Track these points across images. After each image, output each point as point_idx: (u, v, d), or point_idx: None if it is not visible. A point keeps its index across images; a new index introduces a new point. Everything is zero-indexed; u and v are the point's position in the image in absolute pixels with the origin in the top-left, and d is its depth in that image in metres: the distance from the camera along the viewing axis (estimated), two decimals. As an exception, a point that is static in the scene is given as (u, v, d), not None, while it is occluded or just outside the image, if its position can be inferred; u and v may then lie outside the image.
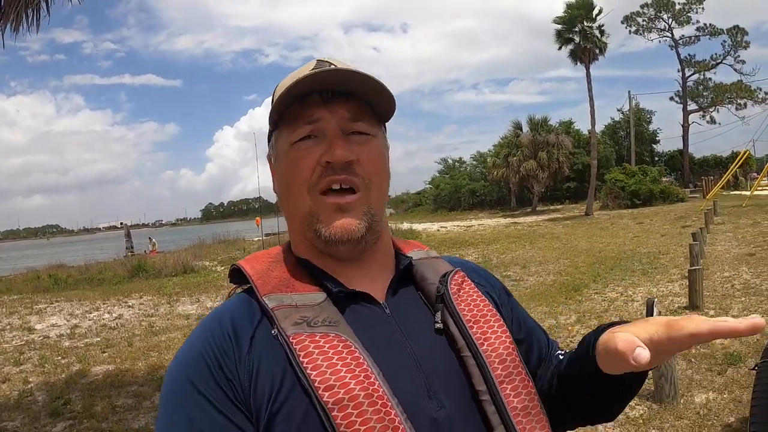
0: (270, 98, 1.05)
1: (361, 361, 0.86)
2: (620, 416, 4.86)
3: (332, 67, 0.97)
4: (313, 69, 0.98)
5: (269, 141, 1.08)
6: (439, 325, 1.00)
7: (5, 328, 12.17)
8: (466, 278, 1.11)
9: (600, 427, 4.79)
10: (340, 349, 0.87)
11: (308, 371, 0.84)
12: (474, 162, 58.56)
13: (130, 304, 14.19)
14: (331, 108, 0.97)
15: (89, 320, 12.52)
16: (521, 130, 42.81)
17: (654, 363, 0.79)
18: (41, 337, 11.03)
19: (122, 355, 8.93)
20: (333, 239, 0.97)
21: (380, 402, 0.83)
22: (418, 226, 33.25)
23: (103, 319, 12.51)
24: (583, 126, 48.27)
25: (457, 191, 54.51)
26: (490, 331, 1.01)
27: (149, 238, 34.09)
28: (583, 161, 42.61)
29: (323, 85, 0.96)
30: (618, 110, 55.87)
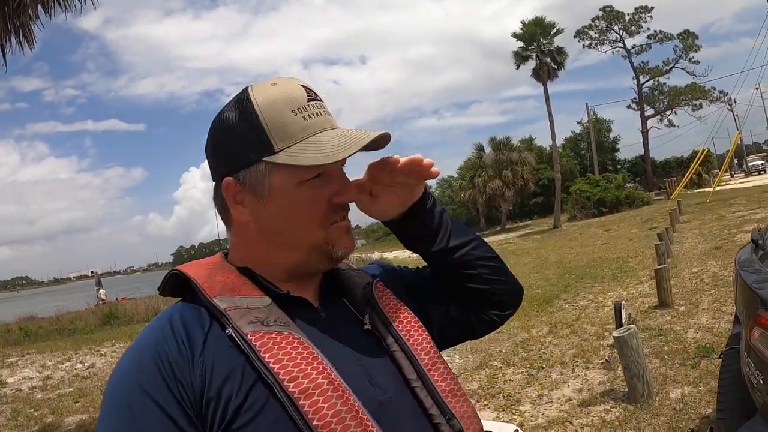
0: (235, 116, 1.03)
1: (315, 355, 0.92)
2: (595, 419, 4.92)
3: (319, 100, 1.06)
4: (309, 102, 1.03)
5: (242, 164, 1.02)
6: (367, 326, 1.09)
7: (-25, 384, 11.91)
8: (384, 287, 1.21)
9: (579, 430, 4.82)
10: (296, 345, 0.92)
11: (271, 365, 0.88)
12: (440, 188, 58.82)
13: (102, 352, 13.94)
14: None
15: (61, 371, 12.28)
16: (484, 151, 43.22)
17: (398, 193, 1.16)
18: (13, 390, 10.79)
19: (95, 404, 8.74)
20: (344, 256, 1.09)
21: (341, 389, 0.90)
22: (389, 255, 33.28)
23: (76, 369, 12.26)
24: (545, 141, 48.93)
25: (426, 216, 54.71)
26: (412, 329, 1.14)
27: (97, 288, 33.31)
28: (547, 176, 43.09)
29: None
30: (578, 122, 56.79)
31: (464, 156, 52.28)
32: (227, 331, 0.92)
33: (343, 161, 1.05)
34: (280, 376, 0.88)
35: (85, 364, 12.66)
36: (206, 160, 1.11)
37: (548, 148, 43.55)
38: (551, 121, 35.55)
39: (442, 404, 1.05)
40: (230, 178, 1.03)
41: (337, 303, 1.13)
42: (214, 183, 1.09)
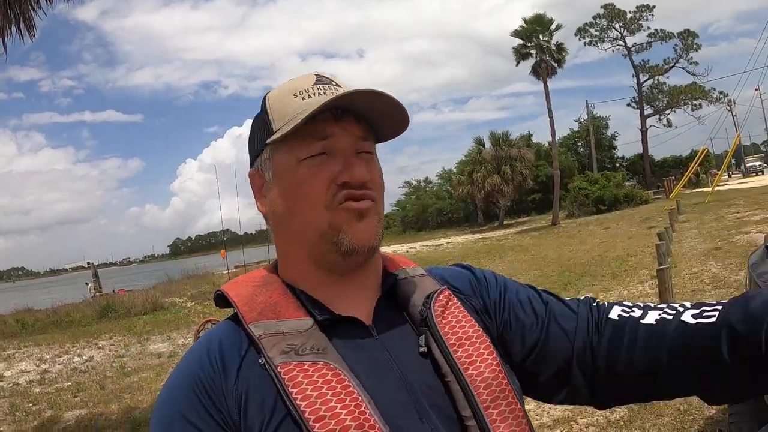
0: (259, 117, 1.03)
1: (351, 389, 0.85)
2: (600, 419, 4.90)
3: (340, 88, 0.98)
4: (315, 84, 1.00)
5: (256, 156, 1.03)
6: (423, 349, 0.97)
7: (-28, 377, 11.89)
8: (452, 297, 1.06)
9: (585, 430, 4.81)
10: (329, 377, 0.85)
11: (298, 402, 0.83)
12: (440, 180, 58.79)
13: (101, 345, 13.97)
14: (344, 126, 0.96)
15: (59, 364, 12.29)
16: (483, 146, 43.12)
17: None
18: (11, 384, 10.82)
19: (94, 399, 8.78)
20: (354, 248, 0.95)
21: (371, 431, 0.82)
22: (387, 249, 33.07)
23: (74, 362, 12.27)
24: (544, 138, 48.91)
25: (424, 211, 54.74)
26: (475, 354, 0.97)
27: (86, 283, 33.25)
28: (546, 173, 43.08)
29: (336, 104, 0.94)
30: (576, 120, 56.79)
31: (462, 151, 52.45)
32: (260, 361, 0.88)
33: (356, 142, 0.97)
34: (306, 416, 0.82)
35: (83, 357, 12.68)
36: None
37: (547, 145, 43.53)
38: (551, 118, 35.60)
39: None
40: (251, 170, 1.05)
41: (396, 319, 1.01)
42: None
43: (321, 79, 1.01)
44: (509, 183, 40.54)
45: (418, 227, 54.67)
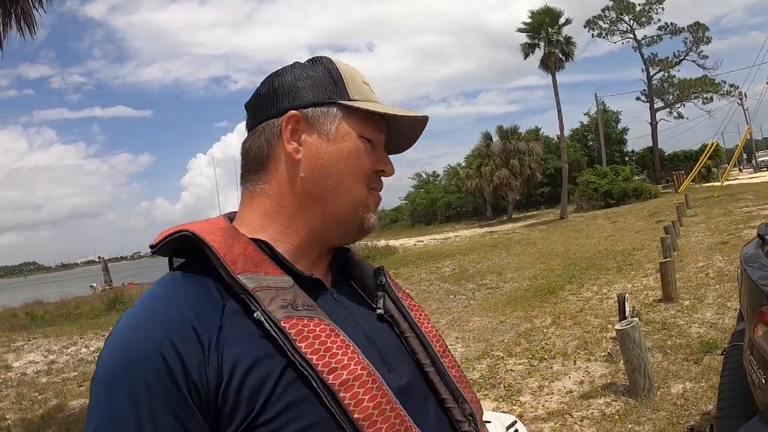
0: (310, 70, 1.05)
1: (348, 343, 0.88)
2: (595, 413, 4.92)
3: (411, 113, 1.09)
4: (365, 83, 1.09)
5: (312, 103, 1.01)
6: (381, 311, 1.08)
7: (-19, 368, 12.01)
8: (392, 277, 1.21)
9: (576, 426, 4.80)
10: (328, 332, 0.87)
11: (309, 356, 0.83)
12: (448, 175, 58.66)
13: (106, 336, 14.01)
14: (385, 132, 1.10)
15: (66, 355, 12.36)
16: (491, 140, 42.95)
17: None
18: (18, 375, 10.88)
19: (99, 389, 8.82)
20: (371, 229, 1.07)
21: (378, 380, 0.87)
22: (395, 242, 33.14)
23: (81, 353, 12.33)
24: (553, 131, 48.71)
25: (432, 205, 54.59)
26: (421, 317, 1.15)
27: (90, 286, 33.22)
28: (555, 166, 42.91)
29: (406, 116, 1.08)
30: (585, 114, 56.49)
31: (472, 145, 52.07)
32: (255, 315, 0.84)
33: (384, 137, 1.10)
34: (319, 368, 0.83)
35: (90, 348, 12.73)
36: (251, 106, 1.08)
37: (556, 139, 43.33)
38: (559, 112, 35.42)
39: (454, 389, 1.07)
40: (296, 111, 1.00)
41: (347, 287, 1.11)
42: (256, 126, 1.04)
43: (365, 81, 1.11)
44: (518, 176, 40.40)
45: (426, 221, 54.50)
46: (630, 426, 4.63)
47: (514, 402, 5.62)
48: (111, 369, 0.80)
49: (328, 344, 0.85)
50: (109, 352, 0.83)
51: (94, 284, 32.63)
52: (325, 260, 1.10)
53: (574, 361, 6.48)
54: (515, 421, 3.96)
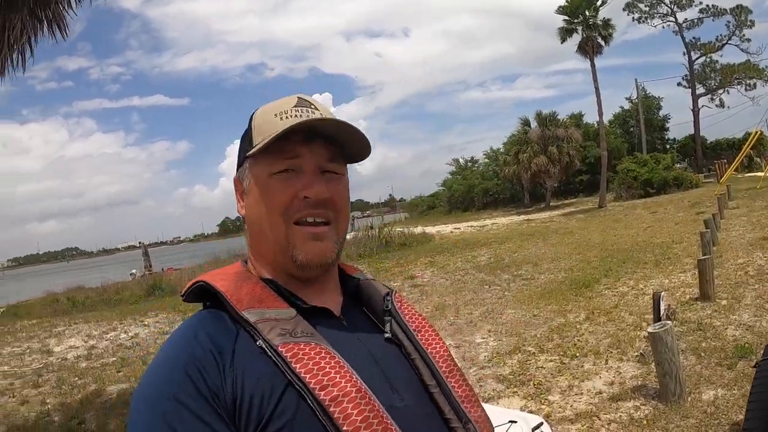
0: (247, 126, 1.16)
1: (342, 364, 0.96)
2: (623, 416, 4.87)
3: (317, 112, 1.11)
4: (295, 107, 1.11)
5: (240, 165, 1.16)
6: (388, 335, 1.16)
7: (25, 352, 12.38)
8: (401, 296, 1.29)
9: (603, 430, 4.77)
10: (323, 354, 0.96)
11: (302, 375, 0.92)
12: (487, 159, 58.08)
13: (146, 322, 14.28)
14: (312, 147, 1.09)
15: (106, 340, 12.65)
16: (529, 126, 42.43)
17: None
18: (59, 360, 11.19)
19: (137, 374, 8.98)
20: (308, 264, 1.09)
21: (367, 396, 0.94)
22: (432, 229, 32.96)
23: (120, 338, 12.63)
24: (592, 117, 47.90)
25: (470, 191, 54.17)
26: (430, 338, 1.20)
27: (130, 273, 33.59)
28: (594, 153, 42.20)
29: (309, 127, 1.08)
30: (627, 99, 55.39)
31: (510, 130, 51.39)
32: (258, 343, 0.96)
33: (321, 162, 1.10)
34: (311, 385, 0.91)
35: (129, 334, 13.01)
36: None
37: (596, 125, 42.58)
38: (598, 97, 34.83)
39: (459, 410, 1.11)
40: (235, 176, 1.18)
41: (358, 312, 1.20)
42: None
43: (301, 102, 1.13)
44: (556, 164, 39.88)
45: (464, 207, 54.06)
46: (658, 432, 4.57)
47: (542, 401, 5.59)
48: (149, 392, 0.93)
49: (322, 364, 0.94)
50: (147, 377, 0.96)
51: (134, 271, 33.09)
52: (334, 289, 1.20)
53: (606, 361, 6.42)
54: (541, 423, 3.94)
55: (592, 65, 34.42)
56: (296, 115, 1.09)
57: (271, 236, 1.09)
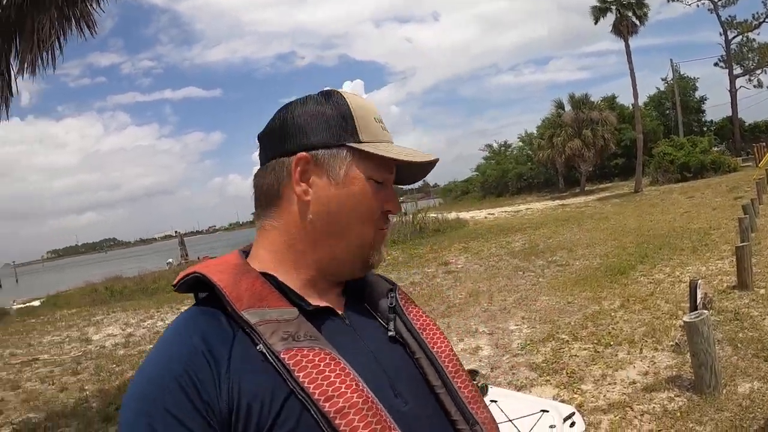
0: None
1: (347, 371, 0.91)
2: (657, 407, 4.82)
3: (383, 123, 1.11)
4: (377, 116, 1.10)
5: (326, 146, 1.04)
6: (392, 333, 1.11)
7: (64, 341, 12.71)
8: (404, 293, 1.24)
9: (636, 421, 4.72)
10: (328, 361, 0.91)
11: (306, 384, 0.87)
12: (521, 144, 57.48)
13: (183, 310, 14.41)
14: (394, 171, 1.12)
15: (143, 328, 12.90)
16: (563, 109, 41.91)
17: None
18: (98, 347, 11.46)
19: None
20: (376, 264, 1.12)
21: (375, 407, 0.90)
22: (465, 215, 32.86)
23: (157, 326, 12.85)
24: (626, 99, 47.14)
25: (503, 176, 53.74)
26: (435, 336, 1.17)
27: (167, 262, 33.89)
28: (629, 136, 41.50)
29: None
30: (662, 80, 54.29)
31: (543, 113, 50.62)
32: (258, 348, 0.90)
33: (394, 177, 1.13)
34: (316, 396, 0.87)
35: (166, 321, 13.18)
36: (263, 140, 1.11)
37: (631, 107, 41.85)
38: (633, 78, 34.24)
39: (465, 411, 1.09)
40: (306, 153, 1.03)
41: (360, 309, 1.14)
42: (267, 161, 1.08)
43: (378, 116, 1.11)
44: (590, 147, 39.34)
45: (498, 192, 53.69)
46: (691, 426, 4.48)
47: (575, 390, 5.54)
48: (138, 401, 0.87)
49: (327, 373, 0.89)
50: (136, 384, 0.90)
51: (171, 260, 33.56)
52: (338, 286, 1.14)
53: (641, 350, 6.34)
54: (573, 413, 3.93)
55: (627, 46, 33.85)
56: (383, 128, 1.11)
57: (356, 235, 1.06)
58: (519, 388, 5.72)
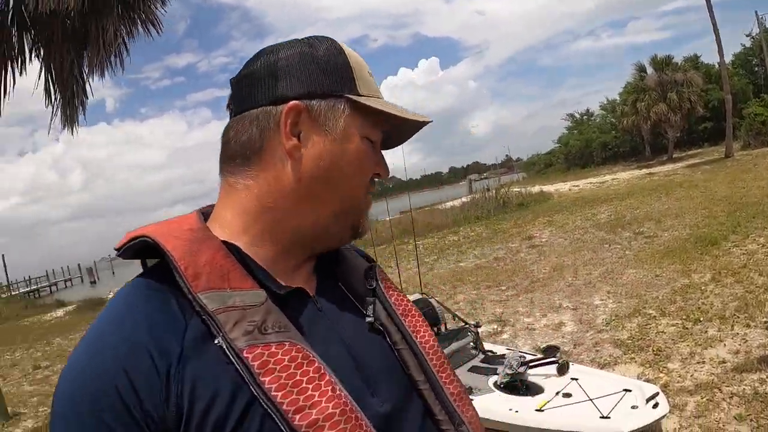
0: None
1: (323, 372, 0.79)
2: (747, 389, 4.69)
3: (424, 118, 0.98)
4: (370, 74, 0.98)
5: (319, 96, 0.90)
6: (371, 320, 0.99)
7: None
8: (384, 273, 1.11)
9: (723, 404, 4.58)
10: (300, 361, 0.78)
11: (273, 393, 0.74)
12: (603, 112, 55.87)
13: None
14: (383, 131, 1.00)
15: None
16: (645, 72, 40.34)
17: None
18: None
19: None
20: (363, 233, 1.00)
21: (354, 417, 0.78)
22: (550, 188, 32.29)
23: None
24: (710, 59, 44.99)
25: (587, 146, 52.36)
26: (418, 323, 1.04)
27: None
28: (717, 97, 39.71)
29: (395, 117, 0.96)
30: (747, 35, 51.46)
31: (625, 79, 48.92)
32: (216, 342, 0.75)
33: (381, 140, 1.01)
34: (284, 407, 0.74)
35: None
36: (239, 85, 0.94)
37: (716, 66, 39.95)
38: (717, 34, 32.45)
39: (450, 409, 0.98)
40: (299, 102, 0.88)
41: (334, 289, 1.01)
42: (245, 110, 0.92)
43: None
44: (676, 111, 37.72)
45: (582, 163, 52.37)
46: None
47: (660, 369, 5.43)
48: (66, 404, 0.75)
49: (298, 377, 0.76)
50: (65, 383, 0.76)
51: None
52: (310, 261, 1.00)
53: (732, 326, 6.13)
54: (657, 393, 3.88)
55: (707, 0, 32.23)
56: (380, 92, 0.99)
57: (347, 198, 0.95)
58: (602, 366, 5.66)
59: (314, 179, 0.90)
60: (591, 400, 3.96)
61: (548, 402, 4.11)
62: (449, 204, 31.93)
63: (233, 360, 0.75)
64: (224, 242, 0.86)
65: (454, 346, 5.18)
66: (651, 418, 3.64)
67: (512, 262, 12.59)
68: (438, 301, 5.82)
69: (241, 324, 0.77)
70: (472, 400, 1.09)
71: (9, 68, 7.04)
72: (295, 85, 0.89)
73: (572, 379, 4.35)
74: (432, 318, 5.58)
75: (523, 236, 15.95)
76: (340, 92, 0.91)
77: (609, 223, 15.19)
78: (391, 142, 1.05)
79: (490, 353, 5.35)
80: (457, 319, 5.97)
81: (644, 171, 34.12)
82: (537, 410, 4.05)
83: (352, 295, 1.02)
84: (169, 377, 0.73)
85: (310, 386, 0.76)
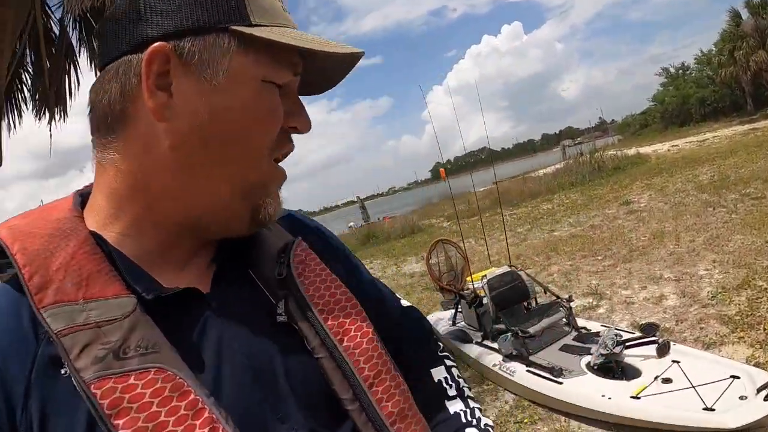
0: None
1: (201, 408, 0.62)
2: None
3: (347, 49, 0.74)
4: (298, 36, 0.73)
5: (194, 31, 0.68)
6: (282, 319, 0.76)
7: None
8: (309, 250, 0.86)
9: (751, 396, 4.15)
10: (167, 395, 0.61)
11: None
12: (699, 65, 53.24)
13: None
14: (299, 72, 0.77)
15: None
16: (740, 18, 38.02)
17: None
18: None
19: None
20: (267, 221, 0.78)
21: None
22: (647, 149, 31.09)
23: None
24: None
25: (684, 103, 50.18)
26: (348, 321, 0.79)
27: (348, 226, 34.82)
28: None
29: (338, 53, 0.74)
30: None
31: (718, 28, 46.52)
32: (63, 371, 0.61)
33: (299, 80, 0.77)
34: None
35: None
36: (100, 35, 0.73)
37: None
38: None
39: None
40: (164, 43, 0.66)
41: (240, 280, 0.79)
42: (108, 63, 0.71)
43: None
44: (779, 58, 35.65)
45: (680, 122, 50.40)
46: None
47: (774, 351, 4.99)
48: None
49: (162, 417, 0.60)
50: None
51: (352, 223, 34.87)
52: (209, 246, 0.80)
53: None
54: (768, 381, 3.48)
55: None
56: (284, 9, 0.76)
57: (242, 168, 0.72)
58: (707, 347, 5.24)
59: (194, 145, 0.69)
60: (693, 387, 3.64)
61: (645, 388, 3.80)
62: (542, 172, 31.24)
63: (81, 392, 0.59)
64: (93, 233, 0.70)
65: (545, 322, 4.96)
66: (763, 412, 3.21)
67: (609, 230, 12.08)
68: (527, 274, 5.60)
69: (91, 348, 0.61)
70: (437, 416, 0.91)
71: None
72: (161, 21, 0.67)
73: (673, 361, 4.04)
74: (521, 292, 5.41)
75: (621, 201, 15.30)
76: (222, 24, 0.68)
77: (712, 185, 14.35)
78: (317, 83, 0.81)
79: (583, 330, 5.10)
80: (548, 292, 5.74)
81: (747, 127, 32.28)
82: (632, 397, 3.75)
83: (262, 284, 0.80)
84: (16, 406, 0.60)
85: (179, 429, 0.60)
